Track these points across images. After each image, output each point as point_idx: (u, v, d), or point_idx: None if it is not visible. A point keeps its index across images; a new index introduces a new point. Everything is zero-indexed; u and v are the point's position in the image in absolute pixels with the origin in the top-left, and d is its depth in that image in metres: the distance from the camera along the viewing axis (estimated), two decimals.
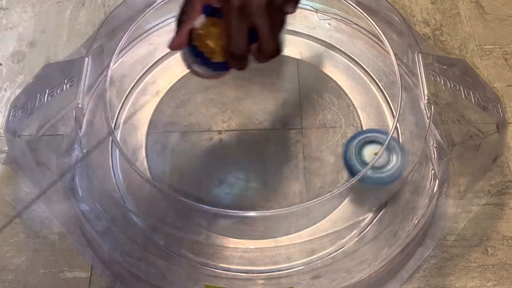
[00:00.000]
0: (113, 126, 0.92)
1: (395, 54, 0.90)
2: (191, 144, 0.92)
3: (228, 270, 0.81)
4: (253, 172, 0.90)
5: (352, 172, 0.85)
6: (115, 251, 0.82)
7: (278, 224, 0.85)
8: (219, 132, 0.93)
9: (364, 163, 0.85)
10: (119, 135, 0.93)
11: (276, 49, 0.68)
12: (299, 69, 0.99)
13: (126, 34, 0.92)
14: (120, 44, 0.91)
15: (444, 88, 0.87)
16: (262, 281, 0.81)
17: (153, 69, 0.99)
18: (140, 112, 0.95)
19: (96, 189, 0.86)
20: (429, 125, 0.85)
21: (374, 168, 0.83)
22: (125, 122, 0.94)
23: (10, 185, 0.92)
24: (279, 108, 0.95)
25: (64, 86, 0.88)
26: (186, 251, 0.83)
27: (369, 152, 0.86)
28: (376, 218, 0.85)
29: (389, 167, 0.85)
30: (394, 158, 0.85)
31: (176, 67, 0.99)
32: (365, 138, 0.87)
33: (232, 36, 0.66)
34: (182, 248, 0.83)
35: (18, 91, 0.99)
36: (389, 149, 0.85)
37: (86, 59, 0.89)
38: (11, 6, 1.11)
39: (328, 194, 0.80)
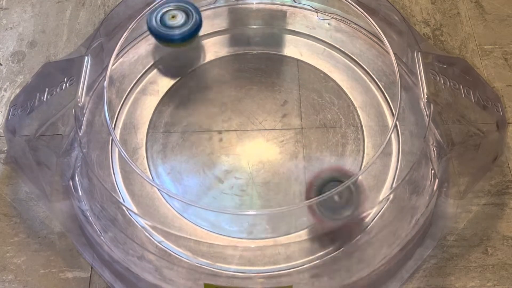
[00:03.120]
0: (113, 126, 0.92)
1: (395, 54, 0.90)
2: (191, 144, 0.92)
3: (228, 269, 0.81)
4: (253, 172, 0.90)
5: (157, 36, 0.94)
6: (115, 251, 0.82)
7: (278, 224, 0.85)
8: (219, 132, 0.93)
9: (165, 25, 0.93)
10: (119, 135, 0.93)
11: None
12: (299, 69, 0.99)
13: (125, 33, 0.92)
14: (119, 43, 0.91)
15: (444, 87, 0.87)
16: (261, 280, 0.81)
17: (153, 69, 0.99)
18: (140, 112, 0.95)
19: (96, 188, 0.86)
20: (428, 124, 0.85)
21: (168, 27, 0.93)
22: (125, 122, 0.94)
23: (10, 185, 0.92)
24: (279, 108, 0.95)
25: (64, 85, 0.88)
26: (186, 250, 0.83)
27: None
28: (376, 218, 0.85)
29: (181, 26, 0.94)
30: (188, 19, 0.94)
31: (176, 67, 0.99)
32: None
33: None
34: (182, 247, 0.83)
35: (18, 91, 0.99)
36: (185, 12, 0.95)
37: (86, 58, 0.90)
38: (11, 6, 1.11)
39: (328, 193, 0.81)
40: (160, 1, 0.96)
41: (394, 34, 0.95)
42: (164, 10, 0.94)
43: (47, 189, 0.88)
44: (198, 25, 0.94)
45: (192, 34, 0.94)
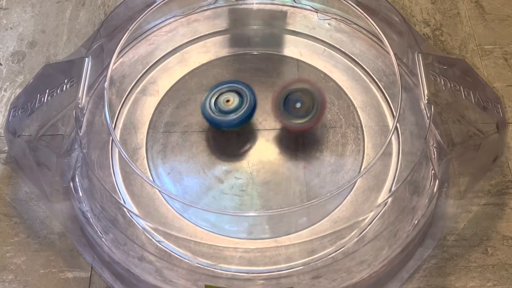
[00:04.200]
0: (113, 126, 0.92)
1: (395, 54, 0.90)
2: (191, 144, 0.92)
3: (228, 270, 0.81)
4: (253, 172, 0.90)
5: (212, 123, 0.91)
6: (115, 252, 0.82)
7: (278, 224, 0.85)
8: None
9: (220, 111, 0.90)
10: (119, 135, 0.93)
11: None
12: (299, 69, 0.99)
13: (126, 34, 0.92)
14: (120, 44, 0.91)
15: (444, 88, 0.87)
16: (262, 281, 0.81)
17: (153, 69, 0.99)
18: (140, 112, 0.95)
19: (96, 189, 0.86)
20: (429, 125, 0.85)
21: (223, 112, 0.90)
22: (125, 122, 0.94)
23: (10, 185, 0.92)
24: None
25: (64, 86, 0.88)
26: (186, 251, 0.83)
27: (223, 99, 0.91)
28: (376, 218, 0.85)
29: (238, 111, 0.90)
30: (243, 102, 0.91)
31: (176, 67, 0.99)
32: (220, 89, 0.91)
33: None
34: (182, 248, 0.83)
35: (18, 91, 0.99)
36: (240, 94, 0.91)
37: (86, 59, 0.90)
38: (11, 6, 1.11)
39: (328, 194, 0.81)
40: (160, 1, 0.96)
41: (394, 34, 0.95)
42: (218, 93, 0.91)
43: (47, 189, 0.88)
44: (253, 108, 0.90)
45: (248, 118, 0.91)
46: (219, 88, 0.91)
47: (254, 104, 0.90)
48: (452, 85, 0.87)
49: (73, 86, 0.87)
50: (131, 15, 0.97)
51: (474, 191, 0.90)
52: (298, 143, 0.92)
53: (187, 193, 0.88)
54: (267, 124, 0.94)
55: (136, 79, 0.97)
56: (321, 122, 0.91)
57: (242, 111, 0.89)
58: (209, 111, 0.90)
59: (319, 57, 1.00)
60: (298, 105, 0.89)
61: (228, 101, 0.90)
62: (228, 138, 0.93)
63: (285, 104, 0.89)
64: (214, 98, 0.90)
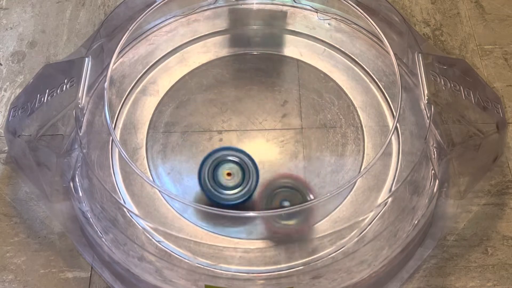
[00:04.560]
0: (113, 126, 0.92)
1: (395, 54, 0.90)
2: (191, 144, 0.92)
3: (228, 270, 0.81)
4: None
5: (209, 198, 0.84)
6: (115, 252, 0.82)
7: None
8: (219, 132, 0.93)
9: (218, 185, 0.84)
10: (119, 135, 0.93)
11: None
12: (299, 69, 0.99)
13: (126, 34, 0.92)
14: (120, 44, 0.91)
15: (444, 88, 0.87)
16: (262, 281, 0.81)
17: (153, 69, 0.99)
18: (140, 112, 0.95)
19: (96, 189, 0.86)
20: (429, 125, 0.85)
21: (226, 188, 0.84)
22: (125, 122, 0.94)
23: (10, 185, 0.92)
24: (279, 108, 0.95)
25: (64, 86, 0.88)
26: (186, 251, 0.83)
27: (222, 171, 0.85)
28: (376, 218, 0.85)
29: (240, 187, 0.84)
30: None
31: (176, 67, 0.99)
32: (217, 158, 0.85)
33: None
34: (182, 248, 0.83)
35: (18, 91, 0.99)
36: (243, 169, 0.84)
37: (86, 59, 0.90)
38: (11, 6, 1.11)
39: (328, 194, 0.81)
40: (160, 1, 0.96)
41: (394, 34, 0.95)
42: (218, 160, 0.84)
43: (47, 189, 0.88)
44: (255, 187, 0.84)
45: (249, 198, 0.84)
46: (219, 154, 0.85)
47: (256, 183, 0.84)
48: (452, 85, 0.87)
49: (73, 86, 0.87)
50: (131, 15, 0.97)
51: (474, 191, 0.90)
52: (298, 143, 0.92)
53: (187, 193, 0.88)
54: (267, 124, 0.94)
55: (136, 79, 0.97)
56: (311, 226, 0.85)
57: (245, 190, 0.84)
58: (208, 184, 0.84)
59: (319, 57, 1.00)
60: (286, 203, 0.83)
61: (229, 174, 0.84)
62: (229, 139, 0.93)
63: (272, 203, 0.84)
64: (213, 168, 0.84)
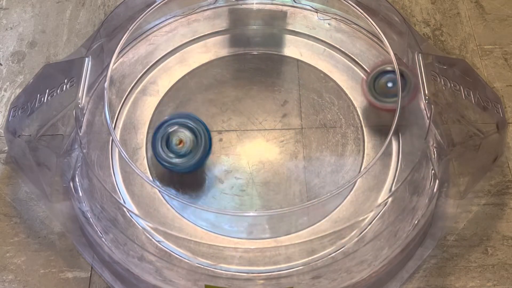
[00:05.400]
0: (113, 126, 0.92)
1: (395, 54, 0.90)
2: None
3: (228, 270, 0.81)
4: (253, 172, 0.90)
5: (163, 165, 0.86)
6: (115, 252, 0.82)
7: (278, 224, 0.85)
8: (219, 132, 0.93)
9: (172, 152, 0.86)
10: (119, 135, 0.93)
11: None
12: (299, 69, 0.99)
13: (126, 34, 0.92)
14: (120, 44, 0.91)
15: (444, 88, 0.87)
16: (262, 281, 0.81)
17: (153, 69, 0.99)
18: (140, 112, 0.95)
19: (96, 189, 0.86)
20: (429, 125, 0.85)
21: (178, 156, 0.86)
22: (125, 122, 0.94)
23: (10, 185, 0.92)
24: (279, 108, 0.95)
25: (64, 86, 0.88)
26: (186, 251, 0.83)
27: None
28: (376, 218, 0.85)
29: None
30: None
31: (176, 67, 0.99)
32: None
33: None
34: (182, 248, 0.83)
35: (18, 91, 0.99)
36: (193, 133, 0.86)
37: (86, 59, 0.90)
38: (11, 6, 1.11)
39: (328, 194, 0.81)
40: (160, 1, 0.96)
41: (394, 34, 0.95)
42: (171, 129, 0.86)
43: (47, 189, 0.88)
44: (207, 154, 0.86)
45: (199, 165, 0.87)
46: (169, 122, 0.86)
47: (208, 150, 0.86)
48: (452, 85, 0.87)
49: (73, 86, 0.87)
50: (131, 15, 0.97)
51: (474, 191, 0.90)
52: (298, 143, 0.92)
53: (187, 193, 0.88)
54: (267, 124, 0.94)
55: (136, 79, 0.98)
56: (414, 100, 0.90)
57: (194, 160, 0.86)
58: (162, 153, 0.85)
59: (319, 57, 1.00)
60: (390, 85, 0.90)
61: (180, 142, 0.85)
62: (229, 139, 0.93)
63: (375, 85, 0.91)
64: (167, 134, 0.86)
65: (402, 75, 0.88)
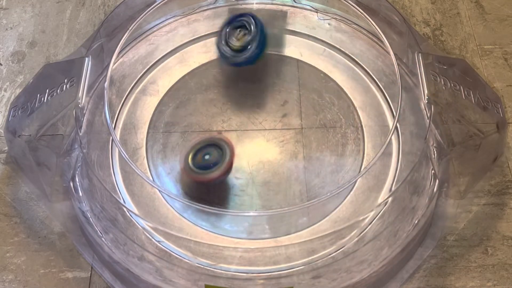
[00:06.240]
0: (113, 126, 0.92)
1: (395, 54, 0.90)
2: (191, 144, 0.92)
3: (228, 270, 0.81)
4: (253, 172, 0.90)
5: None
6: (115, 252, 0.82)
7: (278, 224, 0.85)
8: (219, 132, 0.93)
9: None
10: (119, 135, 0.93)
11: None
12: (299, 69, 0.99)
13: (126, 34, 0.92)
14: (120, 44, 0.91)
15: (444, 88, 0.87)
16: (262, 281, 0.81)
17: (153, 69, 0.99)
18: (140, 112, 0.95)
19: (96, 189, 0.86)
20: (429, 125, 0.85)
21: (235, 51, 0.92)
22: (125, 122, 0.94)
23: (10, 185, 0.92)
24: (279, 108, 0.95)
25: (64, 86, 0.88)
26: (186, 251, 0.83)
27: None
28: (376, 218, 0.85)
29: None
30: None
31: (176, 67, 0.99)
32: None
33: None
34: (182, 248, 0.83)
35: (18, 91, 0.99)
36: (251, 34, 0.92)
37: (86, 59, 0.90)
38: (11, 6, 1.11)
39: (328, 194, 0.81)
40: (160, 1, 0.96)
41: (394, 34, 0.95)
42: (231, 27, 0.93)
43: (47, 189, 0.88)
44: (263, 44, 0.94)
45: (258, 56, 0.93)
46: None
47: (264, 35, 0.93)
48: (452, 85, 0.87)
49: (73, 86, 0.87)
50: (131, 15, 0.97)
51: (474, 191, 0.90)
52: (298, 143, 0.92)
53: (187, 193, 0.88)
54: (267, 124, 0.94)
55: (136, 79, 0.98)
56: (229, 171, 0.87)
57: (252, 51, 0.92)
58: (224, 48, 0.92)
59: (319, 57, 1.00)
60: (207, 157, 0.86)
61: (244, 35, 0.93)
62: (228, 138, 0.93)
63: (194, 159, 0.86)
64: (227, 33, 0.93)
65: (219, 146, 0.86)
